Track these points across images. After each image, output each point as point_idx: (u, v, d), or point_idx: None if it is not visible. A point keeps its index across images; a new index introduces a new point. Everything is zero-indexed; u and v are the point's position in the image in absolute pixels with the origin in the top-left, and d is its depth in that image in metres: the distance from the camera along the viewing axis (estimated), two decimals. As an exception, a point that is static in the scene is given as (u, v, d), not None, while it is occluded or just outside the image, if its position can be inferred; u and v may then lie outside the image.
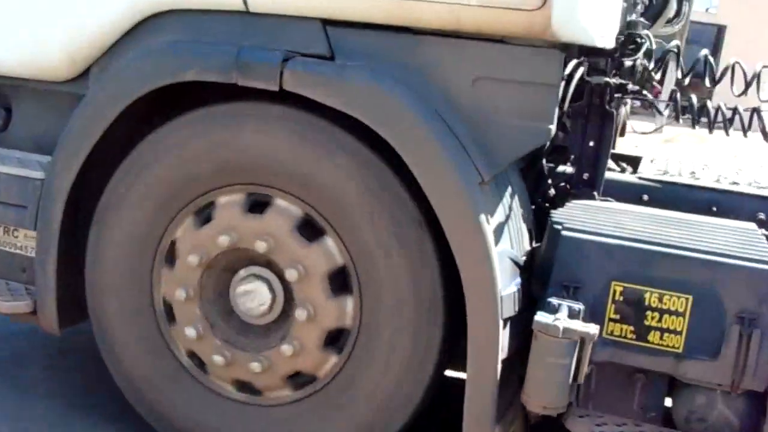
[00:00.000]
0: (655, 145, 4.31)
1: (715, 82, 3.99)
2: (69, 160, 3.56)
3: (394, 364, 3.35)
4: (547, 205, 3.94)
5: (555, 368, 3.09)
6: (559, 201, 3.92)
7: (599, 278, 3.22)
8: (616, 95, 3.73)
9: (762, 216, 3.83)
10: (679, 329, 3.17)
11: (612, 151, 4.11)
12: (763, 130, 3.90)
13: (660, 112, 3.97)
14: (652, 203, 3.92)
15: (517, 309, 3.21)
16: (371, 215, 3.23)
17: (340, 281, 3.36)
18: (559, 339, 3.05)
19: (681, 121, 3.99)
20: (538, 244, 3.59)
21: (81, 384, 4.40)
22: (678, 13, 4.55)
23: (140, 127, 3.54)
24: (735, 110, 3.99)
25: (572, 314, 3.13)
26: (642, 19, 3.97)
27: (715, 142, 3.99)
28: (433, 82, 3.21)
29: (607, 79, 3.61)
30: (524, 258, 3.43)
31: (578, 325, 3.06)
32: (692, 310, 3.15)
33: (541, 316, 3.09)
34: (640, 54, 3.75)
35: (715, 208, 3.90)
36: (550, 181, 3.97)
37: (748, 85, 3.98)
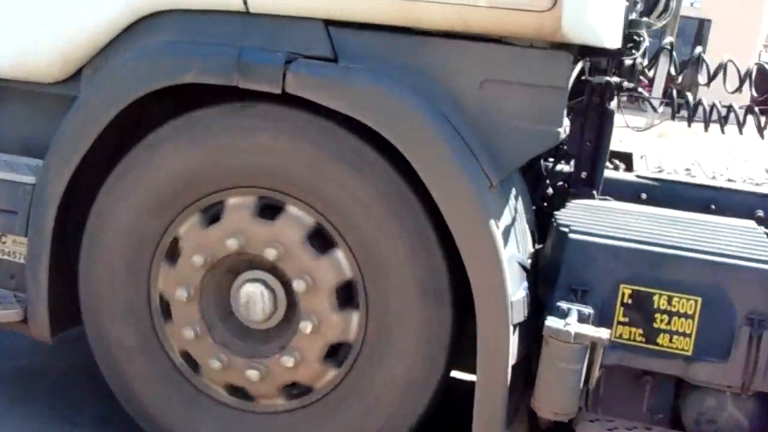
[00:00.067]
0: (647, 140, 4.29)
1: (710, 79, 3.99)
2: (62, 164, 3.46)
3: (398, 378, 3.31)
4: (545, 204, 3.91)
5: (566, 374, 3.07)
6: (557, 200, 3.90)
7: (607, 281, 3.20)
8: (616, 94, 3.71)
9: (760, 213, 3.83)
10: (688, 331, 3.16)
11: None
12: (758, 127, 3.90)
13: (655, 109, 3.96)
14: (650, 201, 3.90)
15: (526, 314, 3.18)
16: (382, 226, 3.18)
17: (346, 295, 3.32)
18: (571, 344, 3.02)
19: (676, 119, 3.98)
20: (541, 246, 3.57)
21: (65, 391, 4.34)
22: (666, 8, 4.53)
23: (131, 129, 3.45)
24: (730, 107, 3.99)
25: (582, 318, 3.10)
26: (646, 19, 3.94)
27: (708, 138, 3.97)
28: (440, 85, 3.16)
29: (609, 78, 3.58)
30: (529, 261, 3.40)
31: (589, 330, 3.03)
32: (701, 312, 3.14)
33: (551, 321, 3.06)
34: (640, 52, 3.73)
35: (713, 206, 3.89)
36: (548, 181, 3.94)
37: (741, 82, 3.99)
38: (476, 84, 3.14)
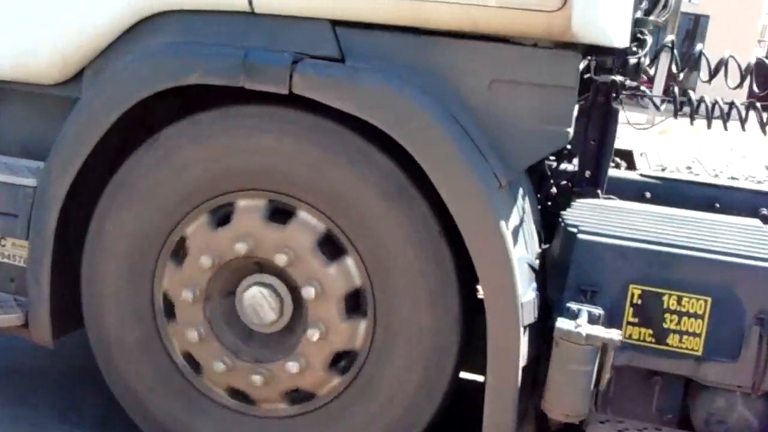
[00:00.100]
0: (647, 137, 4.28)
1: (711, 76, 3.98)
2: (64, 167, 3.41)
3: (404, 386, 3.30)
4: (550, 204, 3.90)
5: (577, 375, 3.05)
6: (561, 200, 3.88)
7: (617, 281, 3.19)
8: (621, 93, 3.69)
9: (765, 211, 3.84)
10: (698, 331, 3.15)
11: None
12: (761, 123, 3.90)
13: (658, 108, 3.94)
14: (654, 200, 3.89)
15: (536, 315, 3.16)
16: (393, 232, 3.16)
17: (354, 302, 3.30)
18: (582, 346, 3.01)
19: (678, 117, 3.96)
20: (547, 246, 3.55)
21: (65, 391, 4.31)
22: (665, 5, 4.52)
23: (132, 130, 3.41)
24: (732, 104, 3.98)
25: (592, 319, 3.09)
26: (653, 18, 3.93)
27: (710, 134, 3.97)
28: (448, 85, 3.13)
29: (614, 77, 3.56)
30: (537, 261, 3.38)
31: (601, 332, 3.02)
32: (711, 312, 3.13)
33: (562, 323, 3.04)
34: (645, 51, 3.71)
35: (717, 204, 3.89)
36: (552, 180, 3.92)
37: (743, 78, 3.98)
38: (485, 84, 3.11)
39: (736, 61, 3.99)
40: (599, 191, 3.83)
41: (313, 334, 3.28)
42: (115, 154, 3.44)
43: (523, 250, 3.22)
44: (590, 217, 3.42)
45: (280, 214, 3.29)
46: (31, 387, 4.33)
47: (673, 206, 3.73)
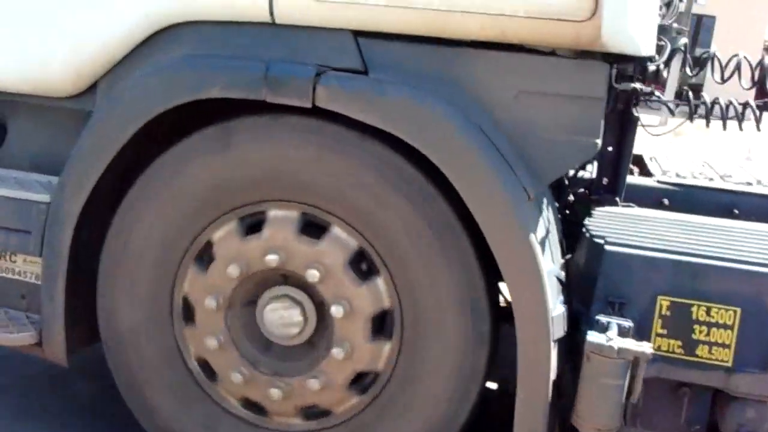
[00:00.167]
0: (660, 139, 4.26)
1: (723, 79, 3.97)
2: (79, 182, 3.34)
3: (425, 410, 3.27)
4: (567, 212, 3.86)
5: (609, 389, 3.02)
6: (578, 207, 3.85)
7: (645, 293, 3.16)
8: (641, 99, 3.66)
9: None
10: (728, 342, 3.13)
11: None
12: None
13: (672, 113, 3.92)
14: (672, 207, 3.87)
15: (565, 329, 3.13)
16: (427, 254, 3.11)
17: (380, 323, 3.26)
18: (614, 359, 2.98)
19: (693, 121, 3.94)
20: (569, 256, 3.52)
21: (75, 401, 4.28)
22: (668, 5, 4.50)
23: (144, 142, 3.34)
24: (746, 105, 3.97)
25: (622, 332, 3.06)
26: (677, 25, 3.91)
27: (723, 135, 3.95)
28: (474, 97, 3.08)
29: (635, 84, 3.53)
30: (563, 273, 3.34)
31: (632, 345, 2.99)
32: (741, 323, 3.11)
33: (593, 337, 3.01)
34: (665, 57, 3.69)
35: (735, 210, 3.87)
36: (569, 188, 3.89)
37: (758, 80, 3.98)
38: (512, 95, 3.07)
39: (749, 62, 3.99)
40: (618, 199, 3.79)
41: (339, 353, 3.24)
42: (125, 166, 3.37)
43: (551, 263, 3.19)
44: (615, 227, 3.39)
45: (313, 227, 3.23)
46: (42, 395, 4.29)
47: (692, 213, 3.71)
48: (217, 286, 3.32)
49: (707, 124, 3.92)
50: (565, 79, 3.04)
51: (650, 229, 3.37)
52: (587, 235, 3.33)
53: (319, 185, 3.15)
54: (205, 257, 3.36)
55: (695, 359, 3.15)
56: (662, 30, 3.79)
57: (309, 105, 3.08)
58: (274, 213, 3.25)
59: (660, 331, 3.16)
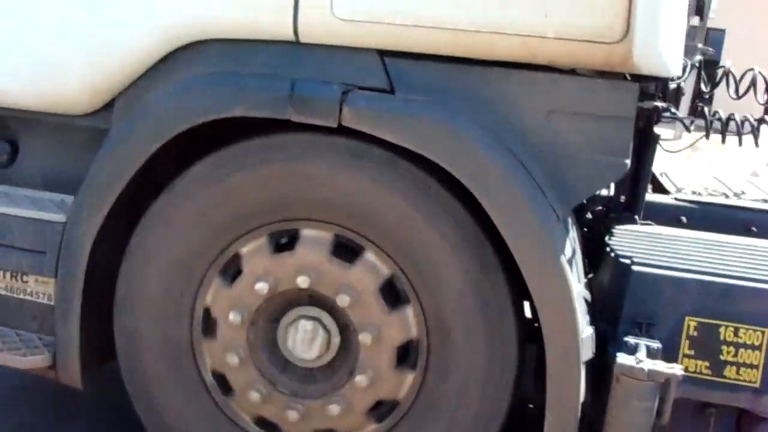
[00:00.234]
0: (678, 155, 4.27)
1: (738, 92, 3.98)
2: (97, 202, 3.27)
3: None
4: (585, 230, 3.84)
5: (639, 412, 3.01)
6: (596, 225, 3.82)
7: (673, 313, 3.15)
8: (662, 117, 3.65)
9: None
10: (756, 363, 3.12)
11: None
12: None
13: (688, 129, 3.91)
14: (690, 225, 3.85)
15: (593, 350, 3.10)
16: (458, 279, 3.08)
17: (405, 352, 3.22)
18: (644, 382, 2.96)
19: (709, 137, 3.94)
20: (591, 275, 3.49)
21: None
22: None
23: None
24: (761, 120, 3.97)
25: (651, 353, 3.05)
26: (702, 46, 3.90)
27: (741, 150, 3.95)
28: (504, 117, 3.05)
29: (657, 103, 3.52)
30: (588, 293, 3.32)
31: (663, 367, 2.98)
32: (769, 344, 3.10)
33: (623, 359, 2.99)
34: (686, 75, 3.68)
35: (754, 228, 3.86)
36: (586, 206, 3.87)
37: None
38: (542, 115, 3.04)
39: (764, 77, 3.99)
40: (636, 217, 3.77)
41: (363, 380, 3.20)
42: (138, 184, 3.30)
43: (578, 284, 3.16)
44: (640, 246, 3.37)
45: (345, 249, 3.18)
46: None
47: (709, 230, 3.69)
48: (242, 301, 3.26)
49: (723, 140, 3.91)
50: (595, 99, 3.02)
51: (675, 249, 3.35)
52: (612, 254, 3.31)
53: (352, 207, 3.11)
54: (230, 270, 3.30)
55: (723, 380, 3.14)
56: (687, 50, 3.77)
57: (335, 125, 3.03)
58: (307, 232, 3.20)
59: (687, 351, 3.15)
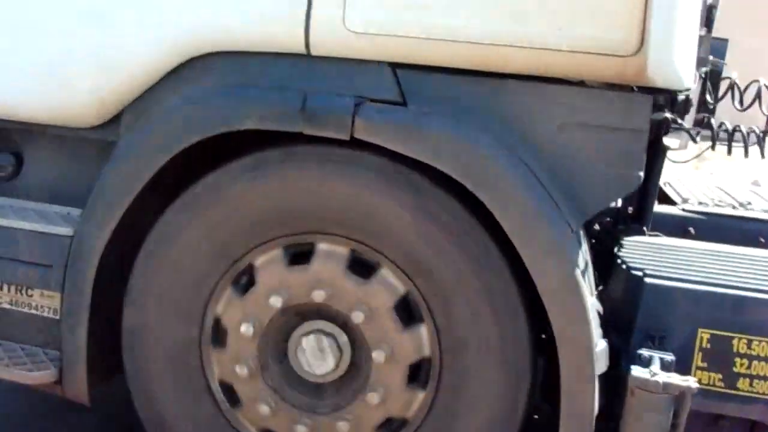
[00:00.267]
0: (684, 165, 4.28)
1: (744, 107, 3.98)
2: (105, 215, 3.24)
3: None
4: (593, 241, 3.83)
5: (654, 425, 3.00)
6: (604, 236, 3.82)
7: (686, 326, 3.14)
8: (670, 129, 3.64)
9: None
10: (769, 375, 3.12)
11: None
12: None
13: (694, 140, 3.90)
14: (697, 236, 3.85)
15: (607, 364, 3.08)
16: (475, 304, 3.06)
17: (416, 371, 3.20)
18: (659, 395, 2.95)
19: (715, 149, 3.93)
20: (601, 287, 3.48)
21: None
22: None
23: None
24: (767, 131, 3.97)
25: (665, 366, 3.04)
26: (713, 58, 3.89)
27: (741, 160, 3.95)
28: (516, 129, 3.04)
29: (667, 114, 3.51)
30: (600, 306, 3.31)
31: (678, 380, 2.97)
32: (782, 356, 3.10)
33: (638, 372, 2.99)
34: (694, 87, 3.67)
35: (761, 239, 3.86)
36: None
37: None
38: (555, 127, 3.03)
39: None
40: (645, 228, 3.77)
41: (373, 398, 3.17)
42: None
43: (592, 297, 3.15)
44: (651, 258, 3.36)
45: (361, 265, 3.16)
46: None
47: (717, 241, 3.69)
48: (254, 313, 3.23)
49: (729, 152, 3.91)
50: (608, 111, 3.01)
51: (687, 260, 3.34)
52: (624, 267, 3.30)
53: (370, 223, 3.09)
54: (242, 281, 3.28)
55: (736, 392, 3.13)
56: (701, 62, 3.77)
57: (347, 137, 3.02)
58: (323, 246, 3.17)
59: (700, 364, 3.14)
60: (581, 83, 3.03)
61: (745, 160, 4.11)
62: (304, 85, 3.11)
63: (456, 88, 3.07)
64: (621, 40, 2.87)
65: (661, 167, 3.74)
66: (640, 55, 2.87)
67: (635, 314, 3.17)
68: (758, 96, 3.97)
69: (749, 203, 4.21)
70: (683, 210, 4.00)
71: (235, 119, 3.09)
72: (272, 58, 3.16)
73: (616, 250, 3.51)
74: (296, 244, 3.20)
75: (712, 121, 3.93)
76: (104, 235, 3.24)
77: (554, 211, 2.98)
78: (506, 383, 3.12)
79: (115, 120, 3.37)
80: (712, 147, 3.91)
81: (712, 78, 4.16)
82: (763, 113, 3.97)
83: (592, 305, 3.07)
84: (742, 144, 3.89)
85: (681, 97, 3.58)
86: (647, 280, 3.18)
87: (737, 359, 3.12)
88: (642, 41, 2.85)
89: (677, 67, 2.98)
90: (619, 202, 3.90)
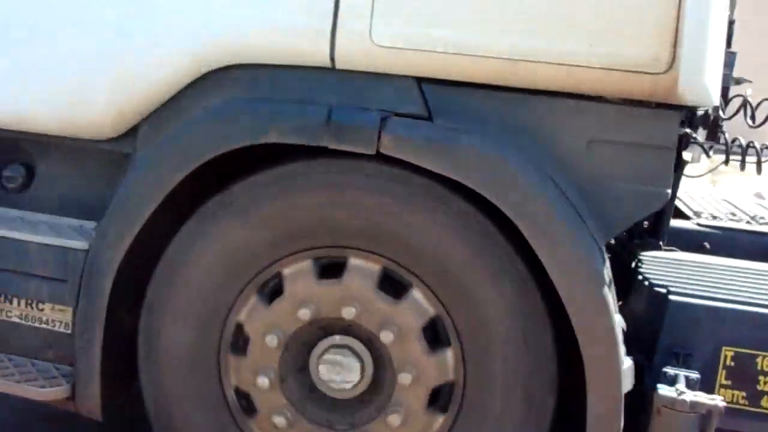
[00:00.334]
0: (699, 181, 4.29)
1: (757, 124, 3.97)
2: (123, 229, 3.17)
3: None
4: (609, 256, 3.81)
5: (680, 444, 2.98)
6: (621, 251, 3.80)
7: (710, 344, 3.13)
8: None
9: None
10: (792, 393, 3.11)
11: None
12: None
13: (708, 155, 3.89)
14: (713, 250, 3.84)
15: (632, 382, 3.06)
16: (506, 331, 3.03)
17: (437, 393, 3.16)
18: (686, 413, 2.94)
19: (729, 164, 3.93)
20: (620, 303, 3.46)
21: None
22: None
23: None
24: None
25: (690, 384, 3.02)
26: (737, 76, 3.89)
27: (739, 172, 3.95)
28: (544, 145, 3.01)
29: (687, 130, 3.50)
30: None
31: (705, 398, 2.96)
32: (806, 374, 3.09)
33: (665, 390, 2.97)
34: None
35: (777, 254, 3.86)
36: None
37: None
38: (582, 144, 3.01)
39: None
40: (660, 243, 3.76)
41: (395, 419, 3.13)
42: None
43: (617, 314, 3.13)
44: (672, 274, 3.35)
45: (390, 283, 3.12)
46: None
47: (733, 256, 3.69)
48: (280, 323, 3.17)
49: (742, 167, 3.91)
50: (636, 128, 2.99)
51: (709, 277, 3.34)
52: (646, 283, 3.28)
53: (404, 241, 3.05)
54: (267, 289, 3.22)
55: (760, 410, 3.13)
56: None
57: (372, 152, 2.98)
58: (355, 262, 3.12)
59: (724, 382, 3.13)
60: (608, 99, 3.01)
61: (747, 174, 4.12)
62: (328, 98, 3.07)
63: (482, 103, 3.04)
64: (652, 57, 2.85)
65: (679, 181, 3.73)
66: (671, 72, 2.85)
67: (659, 331, 3.16)
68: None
69: (762, 217, 4.21)
70: (698, 224, 3.99)
71: (259, 133, 3.04)
72: (293, 71, 3.11)
73: (634, 265, 3.49)
74: (327, 256, 3.16)
75: (726, 135, 3.92)
76: (122, 248, 3.18)
77: (582, 230, 2.96)
78: (526, 419, 3.09)
79: (131, 132, 3.30)
80: (726, 162, 3.91)
81: (722, 93, 4.15)
82: None
83: (618, 322, 3.05)
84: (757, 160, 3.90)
85: (700, 111, 3.59)
86: (672, 297, 3.16)
87: (761, 377, 3.11)
88: (673, 59, 2.83)
89: (707, 84, 2.97)
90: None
